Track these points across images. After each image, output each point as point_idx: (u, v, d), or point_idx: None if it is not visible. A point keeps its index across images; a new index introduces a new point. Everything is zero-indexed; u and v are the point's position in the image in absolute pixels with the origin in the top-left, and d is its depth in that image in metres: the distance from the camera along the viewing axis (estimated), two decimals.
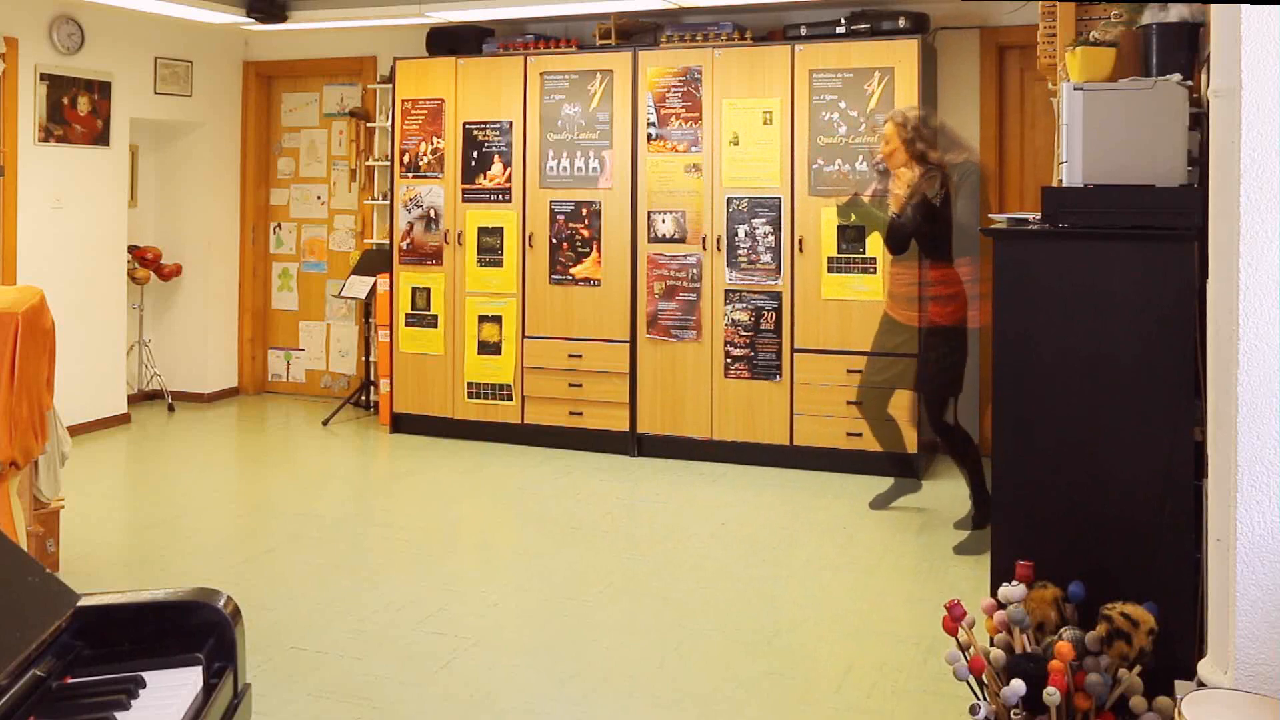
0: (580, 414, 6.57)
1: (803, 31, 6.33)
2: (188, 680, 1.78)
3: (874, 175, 5.27)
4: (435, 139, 6.95)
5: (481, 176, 6.84)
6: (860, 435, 5.95)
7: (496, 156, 6.79)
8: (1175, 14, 3.11)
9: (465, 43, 7.08)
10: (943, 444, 5.11)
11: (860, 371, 5.64)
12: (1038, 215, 2.99)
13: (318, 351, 8.20)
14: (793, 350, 6.13)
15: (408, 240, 7.02)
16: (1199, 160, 2.81)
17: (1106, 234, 2.78)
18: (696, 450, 6.34)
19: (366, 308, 7.70)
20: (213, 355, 8.04)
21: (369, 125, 7.82)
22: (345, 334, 8.09)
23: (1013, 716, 2.54)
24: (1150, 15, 3.18)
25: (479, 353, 6.87)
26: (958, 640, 2.69)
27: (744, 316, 6.23)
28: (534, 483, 5.94)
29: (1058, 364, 2.79)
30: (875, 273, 5.97)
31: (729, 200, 6.27)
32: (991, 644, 2.72)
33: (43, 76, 6.69)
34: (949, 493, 5.68)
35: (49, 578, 1.92)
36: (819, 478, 5.94)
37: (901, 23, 6.12)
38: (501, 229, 6.78)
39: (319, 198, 8.23)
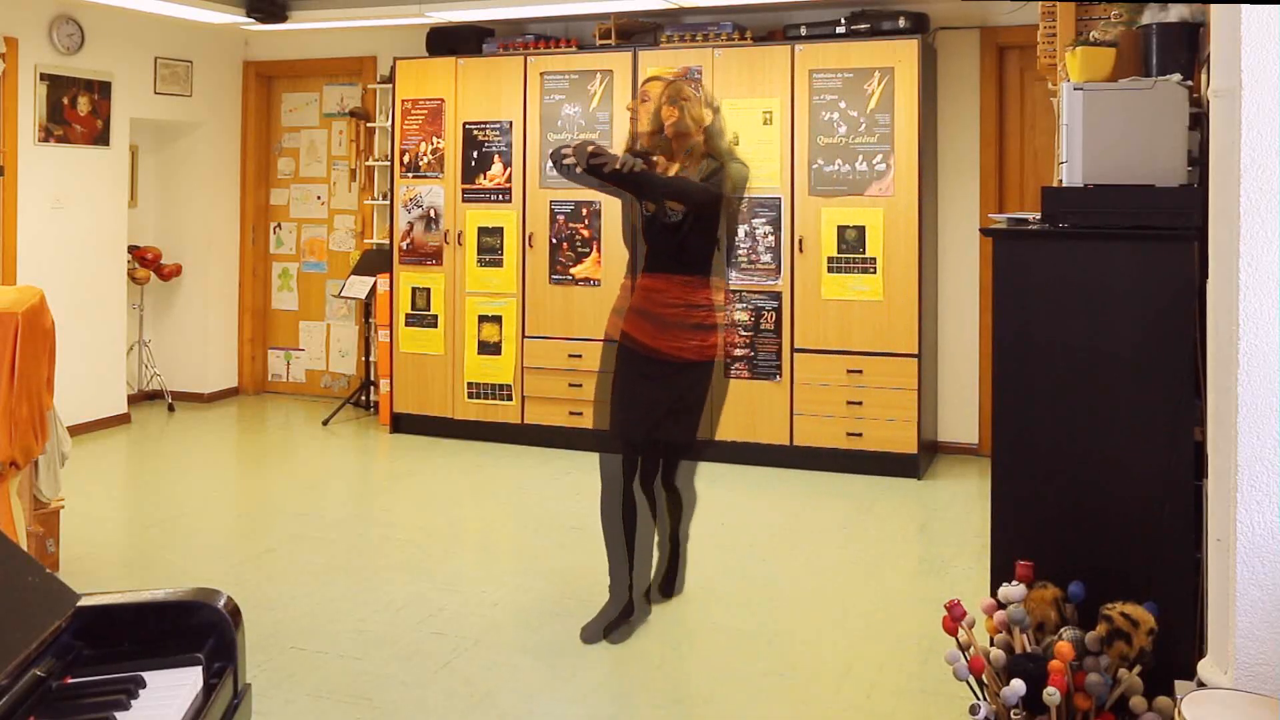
0: (580, 414, 6.57)
1: (803, 31, 6.32)
2: (188, 680, 1.78)
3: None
4: (435, 139, 6.95)
5: (481, 176, 6.84)
6: (861, 435, 5.95)
7: (496, 156, 6.79)
8: (1175, 14, 3.11)
9: (465, 43, 7.07)
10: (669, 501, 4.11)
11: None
12: (1038, 215, 2.99)
13: (318, 351, 8.20)
14: (793, 350, 6.13)
15: (408, 240, 7.02)
16: (1199, 160, 2.81)
17: (1106, 234, 2.78)
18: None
19: (366, 308, 7.70)
20: (213, 355, 8.04)
21: (369, 125, 7.82)
22: (345, 334, 8.09)
23: (1013, 716, 2.54)
24: (1150, 15, 3.18)
25: (479, 353, 6.86)
26: (958, 640, 2.69)
27: (744, 316, 6.23)
28: (534, 483, 5.93)
29: (1058, 364, 2.79)
30: (875, 273, 5.97)
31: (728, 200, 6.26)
32: (991, 644, 2.71)
33: (43, 76, 6.69)
34: (949, 492, 5.68)
35: (49, 578, 1.92)
36: (819, 478, 5.93)
37: (901, 23, 6.12)
38: (501, 229, 6.78)
39: (319, 198, 8.23)
